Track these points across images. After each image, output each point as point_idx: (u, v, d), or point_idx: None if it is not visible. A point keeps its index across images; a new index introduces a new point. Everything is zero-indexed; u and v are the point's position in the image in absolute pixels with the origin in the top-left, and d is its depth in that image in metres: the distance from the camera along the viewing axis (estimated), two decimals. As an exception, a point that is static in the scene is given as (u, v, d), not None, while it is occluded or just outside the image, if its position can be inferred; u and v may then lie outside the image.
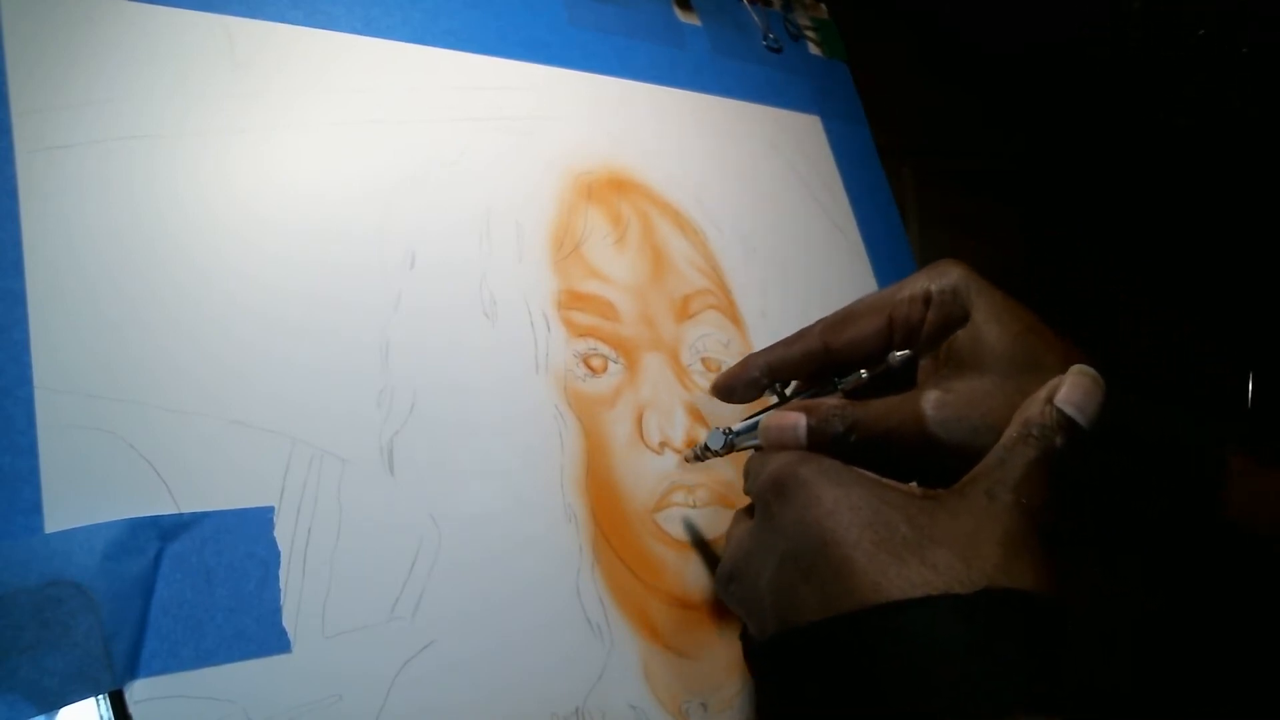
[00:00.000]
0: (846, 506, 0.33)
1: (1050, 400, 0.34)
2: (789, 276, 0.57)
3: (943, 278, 0.40)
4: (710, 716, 0.43)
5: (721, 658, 0.44)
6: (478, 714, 0.37)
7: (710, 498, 0.47)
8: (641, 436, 0.46)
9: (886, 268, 0.62)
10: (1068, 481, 0.33)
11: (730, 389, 0.45)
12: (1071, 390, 0.34)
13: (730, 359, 0.51)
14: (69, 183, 0.36)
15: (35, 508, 0.32)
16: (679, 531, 0.46)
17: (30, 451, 0.32)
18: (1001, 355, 0.38)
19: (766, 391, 0.45)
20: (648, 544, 0.44)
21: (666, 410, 0.48)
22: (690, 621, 0.44)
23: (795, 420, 0.39)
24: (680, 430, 0.48)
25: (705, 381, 0.50)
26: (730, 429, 0.43)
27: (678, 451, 0.47)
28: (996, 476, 0.33)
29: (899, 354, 0.40)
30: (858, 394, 0.41)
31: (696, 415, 0.49)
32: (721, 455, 0.44)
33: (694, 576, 0.45)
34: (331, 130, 0.44)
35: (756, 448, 0.41)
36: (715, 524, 0.47)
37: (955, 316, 0.40)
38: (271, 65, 0.43)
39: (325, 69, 0.45)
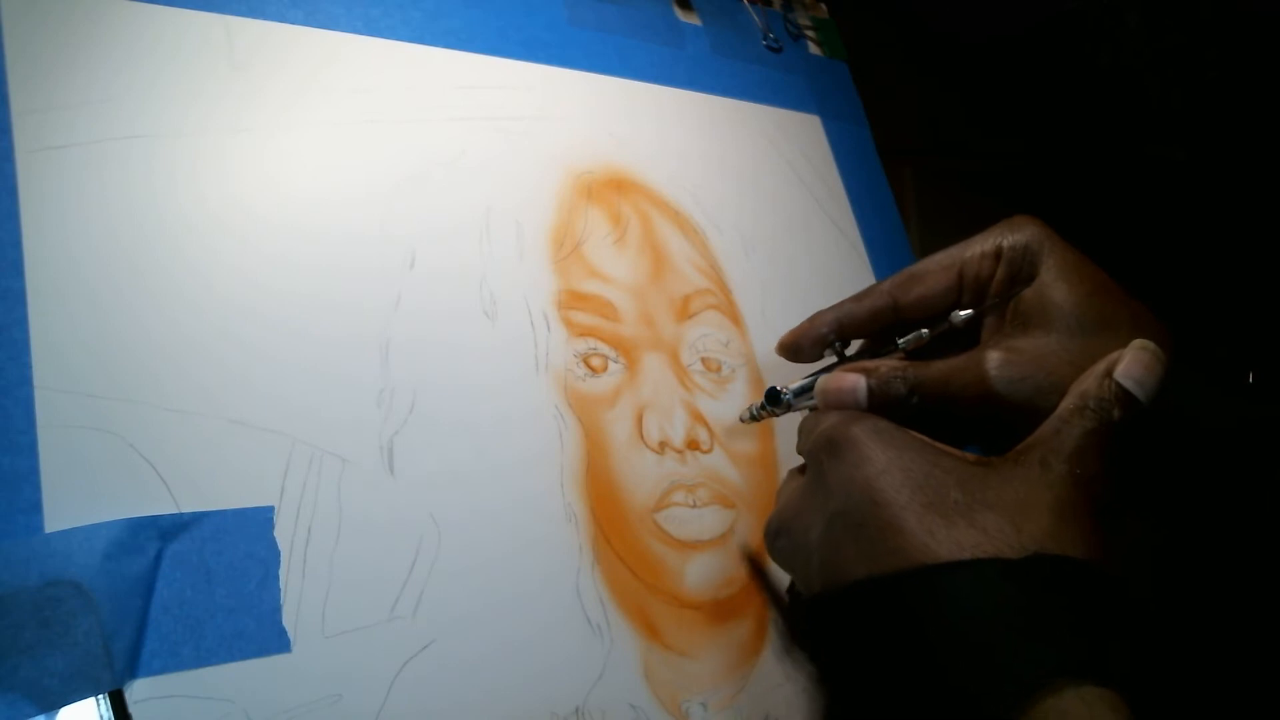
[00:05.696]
0: (898, 467, 0.33)
1: (1109, 374, 0.33)
2: (789, 276, 0.57)
3: (1015, 233, 0.40)
4: (710, 716, 0.43)
5: (721, 657, 0.44)
6: (478, 713, 0.37)
7: (710, 497, 0.47)
8: (641, 436, 0.46)
9: (886, 268, 0.62)
10: (1122, 453, 0.33)
11: (797, 347, 0.44)
12: (1131, 365, 0.33)
13: (730, 359, 0.51)
14: (69, 182, 0.36)
15: (35, 507, 0.32)
16: (679, 531, 0.46)
17: (30, 451, 0.32)
18: (1069, 314, 0.37)
19: (827, 351, 0.44)
20: (648, 544, 0.44)
21: (666, 410, 0.48)
22: (690, 621, 0.44)
23: (855, 382, 0.38)
24: (680, 430, 0.48)
25: (706, 381, 0.50)
26: (787, 388, 0.42)
27: (678, 451, 0.47)
28: (1051, 446, 0.33)
29: (962, 313, 0.39)
30: (918, 353, 0.41)
31: (696, 415, 0.49)
32: (777, 415, 0.44)
33: (694, 576, 0.45)
34: (331, 130, 0.44)
35: (813, 408, 0.41)
36: (715, 524, 0.47)
37: (1024, 273, 0.39)
38: (271, 65, 0.43)
39: (325, 69, 0.45)
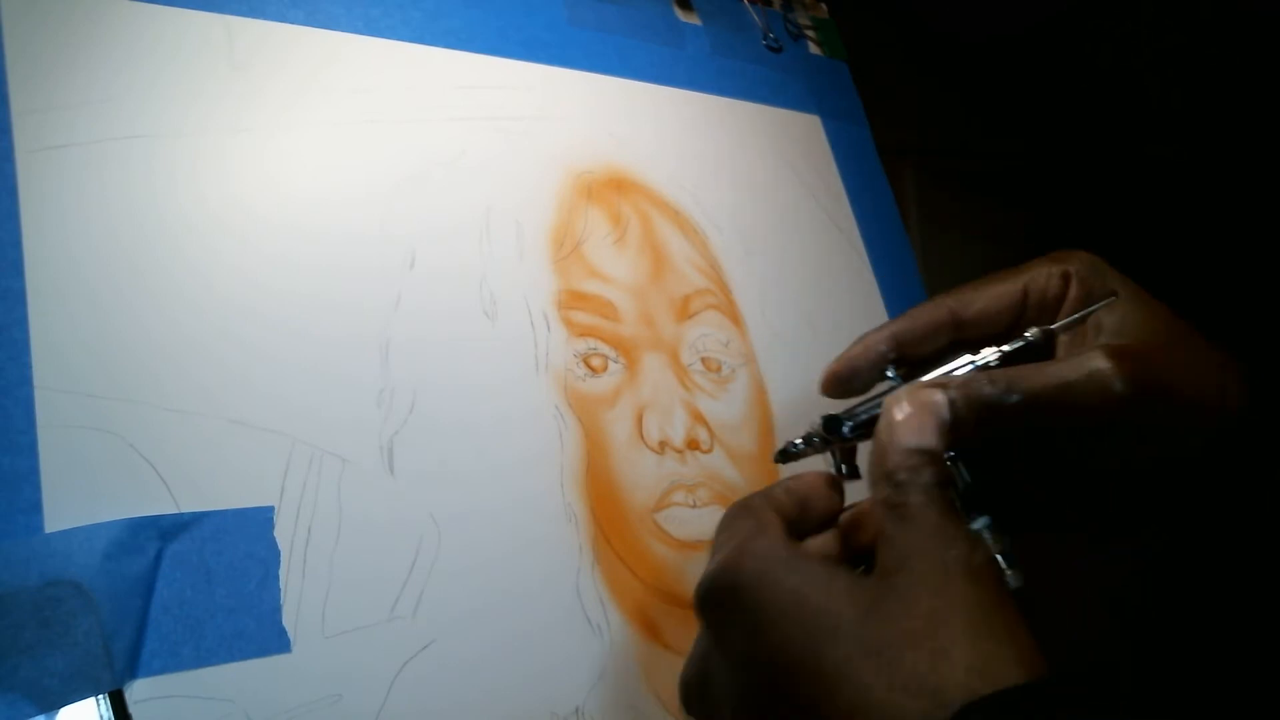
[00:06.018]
0: (797, 624, 0.29)
1: (895, 446, 0.30)
2: (789, 276, 0.57)
3: (1076, 260, 0.36)
4: (710, 716, 0.43)
5: (721, 657, 0.44)
6: (478, 714, 0.37)
7: (711, 497, 0.47)
8: (641, 436, 0.46)
9: (886, 268, 0.62)
10: (981, 509, 0.30)
11: (851, 374, 0.37)
12: (905, 432, 0.31)
13: (730, 359, 0.51)
14: (69, 182, 0.36)
15: (35, 507, 0.32)
16: (679, 531, 0.46)
17: (30, 451, 0.32)
18: (1171, 328, 0.34)
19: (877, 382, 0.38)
20: (648, 543, 0.44)
21: (666, 410, 0.48)
22: (690, 621, 0.44)
23: (929, 397, 0.32)
24: (680, 430, 0.48)
25: (706, 381, 0.50)
26: (838, 416, 0.35)
27: (678, 451, 0.47)
28: (914, 545, 0.29)
29: (1042, 329, 0.34)
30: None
31: (696, 415, 0.49)
32: (823, 451, 0.37)
33: (694, 576, 0.45)
34: (331, 130, 0.44)
35: (859, 438, 0.35)
36: (716, 524, 0.47)
37: (1099, 293, 0.35)
38: (271, 65, 0.43)
39: (325, 69, 0.45)
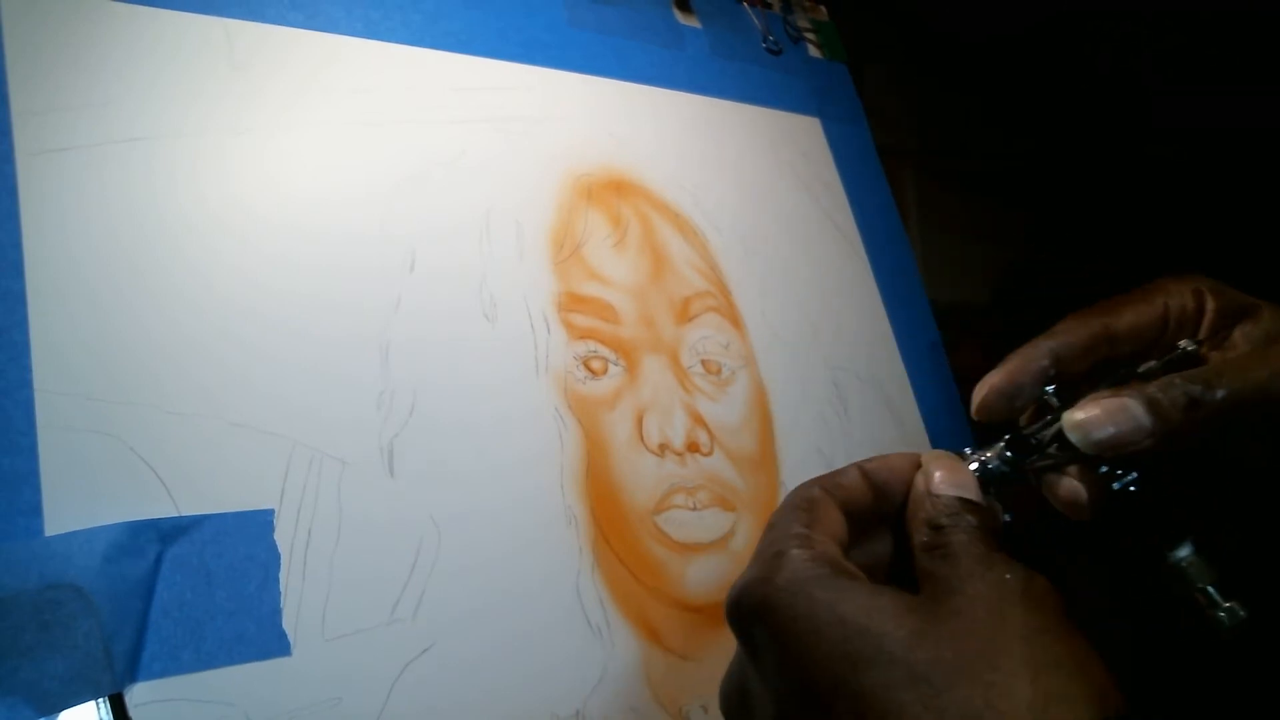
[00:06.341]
0: (834, 644, 0.27)
1: (937, 495, 0.30)
2: (789, 278, 0.57)
3: (1197, 279, 0.36)
4: (711, 719, 0.43)
5: (722, 660, 0.44)
6: (478, 716, 0.37)
7: (711, 500, 0.47)
8: (641, 438, 0.46)
9: (886, 268, 0.62)
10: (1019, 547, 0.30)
11: (1014, 391, 0.34)
12: (942, 480, 0.31)
13: (730, 361, 0.51)
14: (69, 184, 0.36)
15: (35, 510, 0.32)
16: (679, 534, 0.46)
17: (30, 453, 0.32)
18: None
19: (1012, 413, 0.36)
20: (648, 546, 0.44)
21: (666, 412, 0.48)
22: (691, 624, 0.44)
23: (1122, 404, 0.30)
24: (680, 432, 0.48)
25: (706, 384, 0.50)
26: (1021, 435, 0.32)
27: (678, 453, 0.47)
28: (961, 573, 0.28)
29: (1194, 339, 0.34)
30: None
31: (697, 417, 0.49)
32: (1024, 472, 0.33)
33: (694, 579, 0.45)
34: (331, 132, 0.44)
35: (1062, 463, 0.33)
36: (716, 526, 0.47)
37: (1236, 307, 0.35)
38: (271, 67, 0.43)
39: (324, 70, 0.45)
